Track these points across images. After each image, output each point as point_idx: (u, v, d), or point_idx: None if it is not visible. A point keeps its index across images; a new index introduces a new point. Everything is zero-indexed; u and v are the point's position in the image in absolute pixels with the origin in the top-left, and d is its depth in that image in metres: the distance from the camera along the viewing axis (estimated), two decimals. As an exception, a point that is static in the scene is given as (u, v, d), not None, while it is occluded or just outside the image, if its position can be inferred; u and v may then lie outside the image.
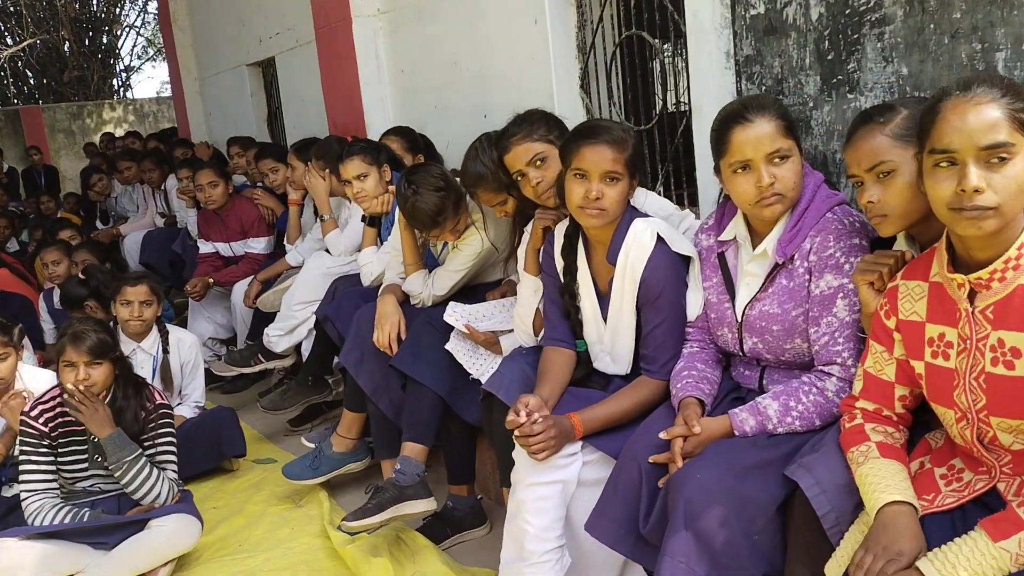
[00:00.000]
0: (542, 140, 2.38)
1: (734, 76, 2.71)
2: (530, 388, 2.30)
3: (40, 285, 6.46)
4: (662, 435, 1.88)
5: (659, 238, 2.09)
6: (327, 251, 4.23)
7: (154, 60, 25.70)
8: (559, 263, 2.30)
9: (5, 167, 11.69)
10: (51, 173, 11.92)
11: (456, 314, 2.83)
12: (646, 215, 2.19)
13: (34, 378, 3.40)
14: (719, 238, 2.05)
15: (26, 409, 3.00)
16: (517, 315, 2.50)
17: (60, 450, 3.00)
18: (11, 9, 18.89)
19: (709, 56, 2.76)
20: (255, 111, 7.39)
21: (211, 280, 4.87)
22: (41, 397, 3.05)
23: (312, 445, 3.44)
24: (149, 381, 3.27)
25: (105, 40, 21.20)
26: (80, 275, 4.31)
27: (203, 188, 4.81)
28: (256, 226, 4.90)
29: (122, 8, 21.56)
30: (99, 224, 8.06)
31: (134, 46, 23.61)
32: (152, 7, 26.36)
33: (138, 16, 24.19)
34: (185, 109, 8.70)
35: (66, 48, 19.83)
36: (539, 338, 2.48)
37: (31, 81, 19.98)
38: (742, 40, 2.64)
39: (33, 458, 2.96)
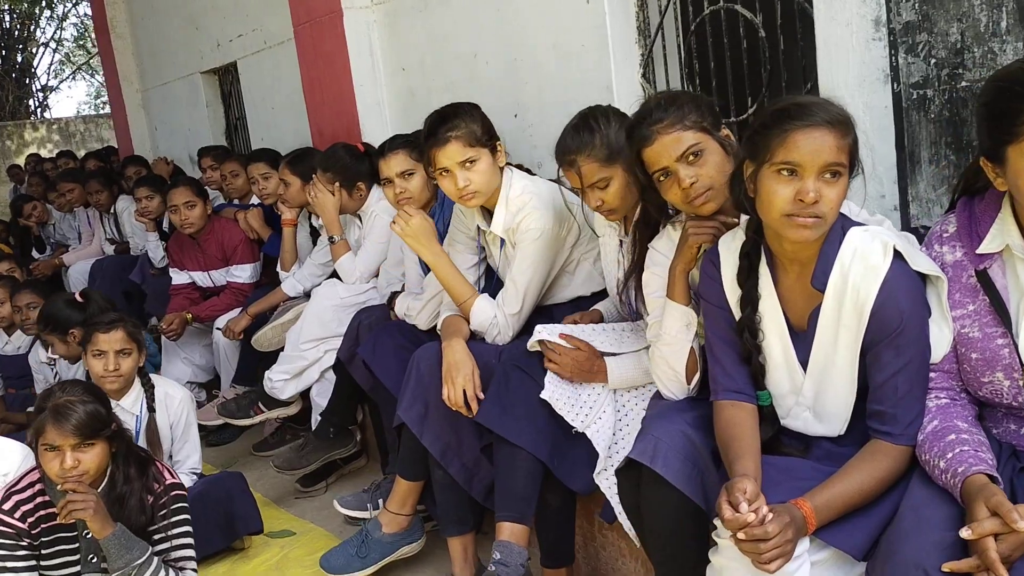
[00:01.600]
0: (696, 128, 1.83)
1: (886, 49, 2.22)
2: (696, 457, 1.76)
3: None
4: (965, 533, 1.34)
5: (895, 253, 1.57)
6: (335, 277, 3.64)
7: (73, 78, 24.49)
8: (731, 291, 1.76)
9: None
10: (-29, 200, 10.91)
11: (545, 330, 2.28)
12: (857, 222, 1.66)
13: (-2, 453, 2.71)
14: (978, 250, 1.54)
15: (-6, 502, 2.34)
16: (660, 358, 1.94)
17: (43, 551, 2.34)
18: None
19: (848, 25, 2.27)
20: (211, 123, 6.68)
21: (189, 315, 4.20)
22: (15, 484, 2.38)
23: (350, 512, 2.83)
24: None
25: (20, 59, 20.02)
26: (78, 297, 3.58)
27: (178, 209, 4.13)
28: (240, 251, 4.24)
29: (37, 25, 20.40)
30: (35, 254, 7.23)
31: (51, 64, 22.22)
32: (71, 24, 25.19)
33: (55, 33, 22.94)
34: (127, 125, 7.91)
35: (-23, 67, 18.66)
36: (691, 387, 1.94)
37: (-59, 103, 18.70)
38: (900, 1, 2.15)
39: (8, 564, 2.29)
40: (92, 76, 24.96)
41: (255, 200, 4.73)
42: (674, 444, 1.76)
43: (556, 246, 2.52)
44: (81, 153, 10.75)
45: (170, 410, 3.12)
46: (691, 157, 1.83)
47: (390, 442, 2.94)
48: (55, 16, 20.94)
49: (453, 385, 2.32)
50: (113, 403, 2.96)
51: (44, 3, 19.29)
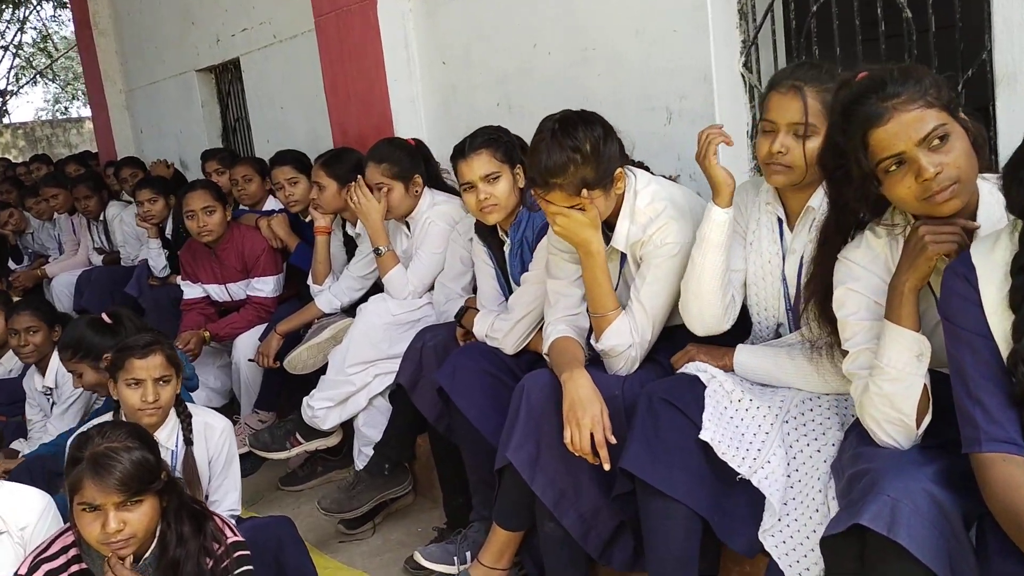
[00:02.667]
0: (940, 106, 1.48)
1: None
2: (944, 525, 1.39)
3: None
4: None
5: None
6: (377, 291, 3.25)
7: (33, 83, 23.74)
8: (998, 316, 1.40)
9: None
10: (-68, 208, 10.22)
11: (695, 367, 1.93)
12: None
13: (13, 503, 2.27)
14: None
15: (22, 572, 1.91)
16: (879, 397, 1.56)
17: (82, 631, 1.91)
18: None
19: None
20: (207, 124, 6.23)
21: (207, 334, 3.76)
22: (44, 550, 1.95)
23: (436, 567, 2.44)
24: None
25: (-23, 62, 19.29)
26: (106, 318, 3.08)
27: (195, 215, 3.70)
28: (263, 262, 3.81)
29: (-5, 28, 19.68)
30: (12, 265, 6.69)
31: (11, 68, 21.40)
32: (32, 27, 24.40)
33: (15, 36, 22.14)
34: (109, 127, 7.42)
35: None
36: (919, 433, 1.57)
37: None
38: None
39: (39, 648, 1.87)
40: (52, 81, 24.21)
41: (272, 205, 4.32)
42: (918, 508, 1.40)
43: (684, 260, 2.16)
44: (67, 156, 10.16)
45: (209, 443, 2.69)
46: (935, 141, 1.47)
47: (474, 483, 2.55)
48: (15, 19, 20.19)
49: (579, 427, 1.94)
50: (143, 440, 2.56)
51: (4, 6, 18.54)
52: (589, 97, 3.20)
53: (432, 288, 3.15)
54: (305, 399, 3.19)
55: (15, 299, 4.90)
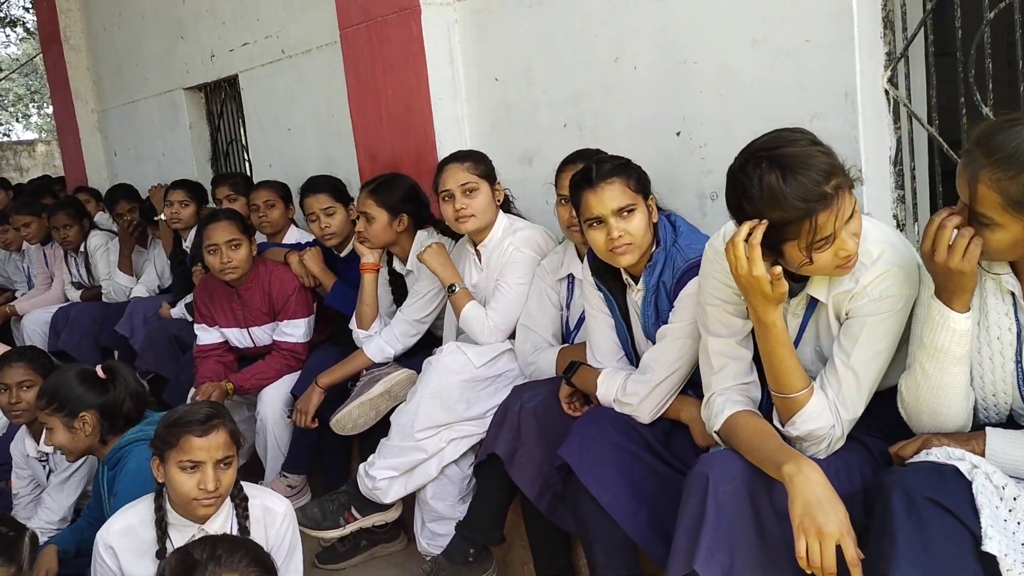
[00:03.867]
0: None
1: None
2: None
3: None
4: None
5: None
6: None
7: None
8: None
9: None
10: None
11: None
12: None
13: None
14: None
15: None
16: None
17: None
18: None
19: None
20: (195, 147, 5.72)
21: (230, 386, 3.26)
22: None
23: None
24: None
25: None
26: (100, 372, 2.58)
27: (218, 250, 3.20)
28: (293, 303, 3.33)
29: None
30: (-27, 302, 6.04)
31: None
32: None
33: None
34: (79, 149, 6.83)
35: None
36: None
37: None
38: None
39: None
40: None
41: (295, 236, 3.85)
42: None
43: (905, 317, 1.76)
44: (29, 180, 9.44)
45: (269, 530, 2.22)
46: None
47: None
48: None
49: (821, 538, 1.51)
50: (196, 527, 2.09)
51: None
52: (686, 116, 2.83)
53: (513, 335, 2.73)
54: (363, 467, 2.72)
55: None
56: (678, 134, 2.86)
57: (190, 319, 4.24)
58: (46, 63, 7.04)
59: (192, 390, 3.35)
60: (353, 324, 3.13)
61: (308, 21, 4.37)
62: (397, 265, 3.18)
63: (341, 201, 3.38)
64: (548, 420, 2.33)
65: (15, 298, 5.75)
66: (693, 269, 2.03)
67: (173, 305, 4.38)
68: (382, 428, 2.90)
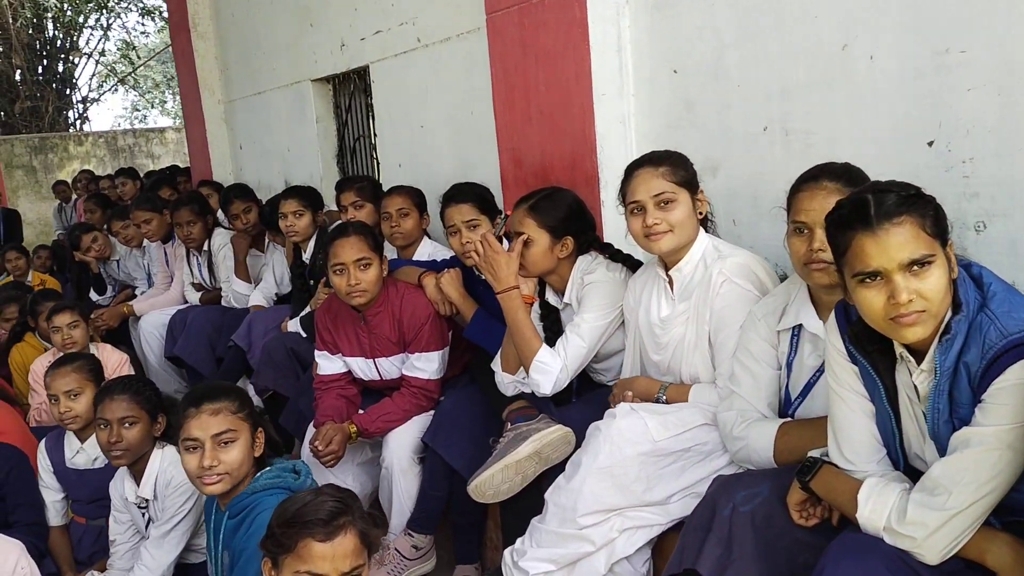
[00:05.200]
0: None
1: None
2: None
3: (20, 403, 4.30)
4: None
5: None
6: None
7: (114, 91, 23.58)
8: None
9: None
10: (11, 218, 9.59)
11: None
12: None
13: None
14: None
15: None
16: None
17: None
18: (-41, 34, 16.86)
19: None
20: (321, 143, 5.34)
21: (353, 429, 2.81)
22: None
23: None
24: None
25: (61, 68, 19.00)
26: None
27: (346, 270, 2.73)
28: (427, 334, 2.85)
29: (79, 34, 19.40)
30: (95, 296, 5.89)
31: (93, 75, 21.16)
32: (115, 34, 24.35)
33: (99, 43, 21.99)
34: (205, 142, 6.61)
35: (18, 76, 17.63)
36: None
37: (-24, 111, 17.80)
38: None
39: None
40: (133, 89, 24.01)
41: (428, 250, 3.38)
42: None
43: None
44: (153, 170, 9.44)
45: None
46: None
47: None
48: (100, 25, 19.91)
49: None
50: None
51: (90, 10, 18.23)
52: (944, 122, 2.17)
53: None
54: (510, 554, 2.20)
55: (99, 347, 4.05)
56: (930, 144, 2.21)
57: (304, 335, 3.87)
58: (175, 51, 6.86)
59: (310, 428, 2.92)
60: (496, 365, 2.62)
61: (448, 6, 3.89)
62: (551, 297, 2.65)
63: (487, 214, 2.88)
64: (770, 530, 1.74)
65: (134, 296, 5.54)
66: (1017, 348, 1.41)
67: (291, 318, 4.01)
68: (529, 492, 2.40)
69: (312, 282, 3.97)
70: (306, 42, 5.18)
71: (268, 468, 2.19)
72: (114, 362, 4.04)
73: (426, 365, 2.87)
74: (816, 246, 1.82)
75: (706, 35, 2.76)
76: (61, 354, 3.61)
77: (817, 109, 2.46)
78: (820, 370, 1.92)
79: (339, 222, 3.31)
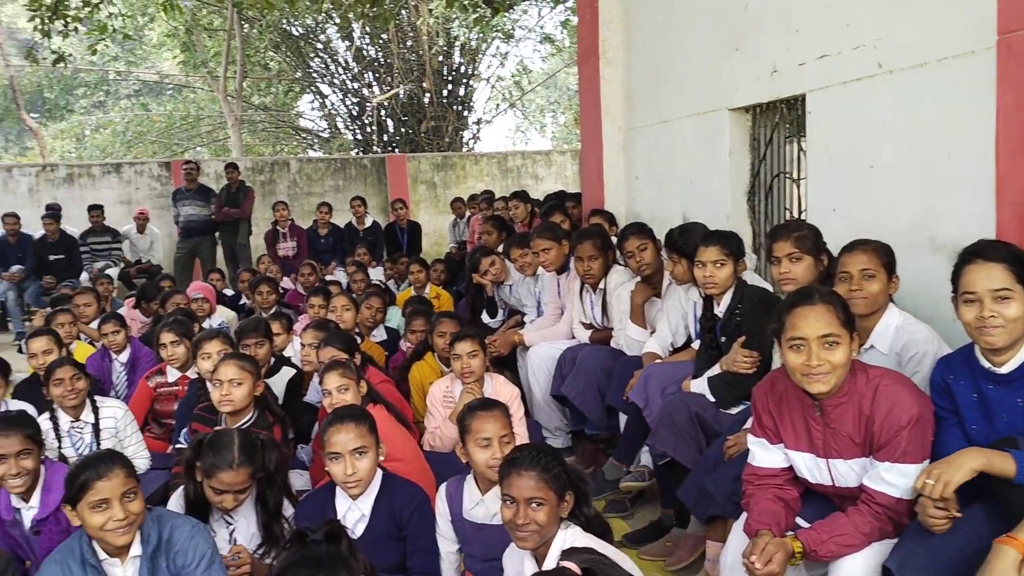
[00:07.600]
0: None
1: None
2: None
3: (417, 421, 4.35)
4: None
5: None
6: None
7: (504, 112, 25.20)
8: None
9: (369, 220, 10.31)
10: (414, 230, 10.36)
11: None
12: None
13: None
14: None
15: None
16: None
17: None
18: (383, 60, 18.96)
19: None
20: (731, 178, 4.85)
21: (797, 546, 2.25)
22: None
23: None
24: None
25: (462, 92, 20.68)
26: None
27: (806, 346, 2.19)
28: (907, 438, 2.20)
29: (480, 61, 20.97)
30: (486, 318, 5.96)
31: (488, 99, 22.80)
32: (511, 62, 26.10)
33: (497, 68, 23.73)
34: (600, 169, 6.45)
35: (426, 99, 19.45)
36: None
37: (390, 130, 19.88)
38: None
39: None
40: (520, 112, 25.54)
41: (902, 324, 2.72)
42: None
43: None
44: (552, 193, 9.66)
45: None
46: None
47: None
48: (500, 53, 21.38)
49: None
50: None
51: (494, 38, 19.62)
52: None
53: None
54: None
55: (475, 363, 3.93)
56: None
57: (712, 400, 3.40)
58: (580, 77, 6.80)
59: (739, 530, 2.42)
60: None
61: (931, 25, 3.20)
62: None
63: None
64: None
65: (523, 323, 5.49)
66: None
67: (695, 376, 3.57)
68: None
69: (724, 339, 3.49)
70: (727, 67, 4.73)
71: None
72: (506, 395, 3.90)
73: (898, 480, 2.23)
74: None
75: None
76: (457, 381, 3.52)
77: None
78: None
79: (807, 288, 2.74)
